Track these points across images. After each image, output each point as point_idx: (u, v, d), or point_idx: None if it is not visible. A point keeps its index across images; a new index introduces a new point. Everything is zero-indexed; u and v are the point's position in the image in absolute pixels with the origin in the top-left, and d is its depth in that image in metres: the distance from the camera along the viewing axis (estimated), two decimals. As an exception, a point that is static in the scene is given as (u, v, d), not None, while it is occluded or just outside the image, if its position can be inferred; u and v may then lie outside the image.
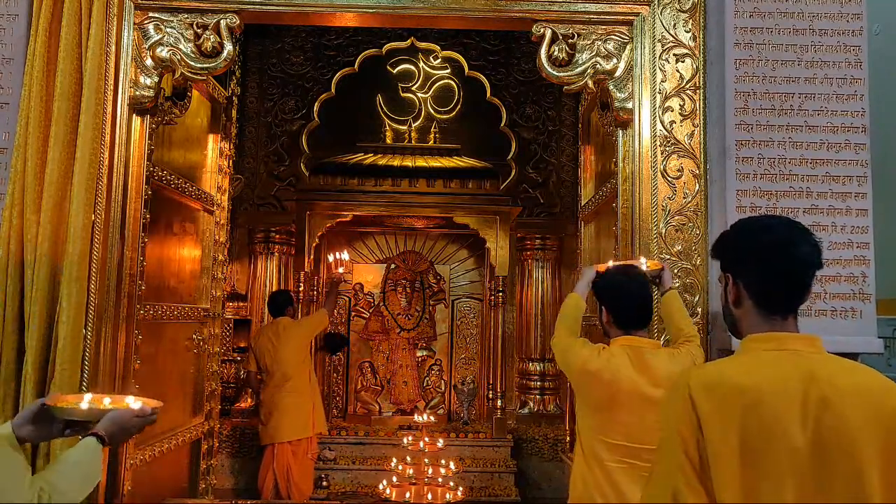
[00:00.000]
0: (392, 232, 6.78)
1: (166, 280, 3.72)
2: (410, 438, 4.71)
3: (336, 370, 6.55)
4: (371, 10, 3.25)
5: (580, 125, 4.39)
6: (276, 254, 6.26)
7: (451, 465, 4.27)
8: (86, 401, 1.84)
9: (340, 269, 5.27)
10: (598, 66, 3.20)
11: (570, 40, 3.21)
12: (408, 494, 4.04)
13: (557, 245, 6.43)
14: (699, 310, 3.01)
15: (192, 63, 3.20)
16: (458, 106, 6.68)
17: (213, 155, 4.29)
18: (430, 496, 4.03)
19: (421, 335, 6.54)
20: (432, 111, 6.66)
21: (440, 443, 4.56)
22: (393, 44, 6.44)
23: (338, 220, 6.05)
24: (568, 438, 4.67)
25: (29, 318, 2.84)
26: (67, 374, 2.81)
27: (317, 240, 6.04)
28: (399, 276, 6.55)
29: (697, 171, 3.09)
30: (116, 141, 3.11)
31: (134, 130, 3.18)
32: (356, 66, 6.47)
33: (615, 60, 3.20)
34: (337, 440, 5.72)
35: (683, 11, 3.17)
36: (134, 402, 1.87)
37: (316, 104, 6.51)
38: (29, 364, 2.81)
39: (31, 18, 3.03)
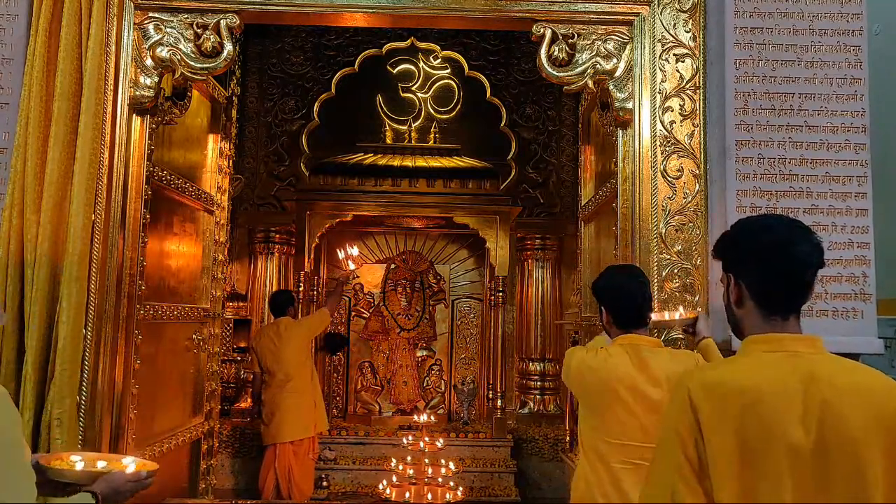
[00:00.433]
0: (392, 232, 6.78)
1: (166, 280, 3.72)
2: (410, 438, 4.71)
3: (336, 370, 6.55)
4: (371, 10, 3.25)
5: (580, 125, 4.39)
6: (276, 254, 6.26)
7: (451, 465, 4.27)
8: (79, 461, 1.80)
9: (352, 266, 5.23)
10: (598, 66, 3.20)
11: (570, 40, 3.21)
12: (408, 494, 4.04)
13: (557, 245, 6.43)
14: (699, 310, 3.01)
15: (192, 63, 3.20)
16: (458, 106, 6.68)
17: (213, 155, 4.29)
18: (430, 496, 4.03)
19: (421, 335, 6.54)
20: (432, 111, 6.66)
21: (440, 443, 4.55)
22: (393, 44, 6.44)
23: (338, 220, 6.05)
24: (568, 438, 4.68)
25: (29, 318, 2.84)
26: (67, 374, 2.81)
27: (317, 240, 6.04)
28: (399, 276, 6.55)
29: (697, 171, 3.09)
30: (116, 141, 3.11)
31: (134, 130, 3.18)
32: (356, 66, 6.47)
33: (615, 60, 3.20)
34: (337, 440, 5.72)
35: (683, 11, 3.17)
36: (131, 464, 1.84)
37: (316, 104, 6.51)
38: (29, 364, 2.81)
39: (31, 18, 3.03)
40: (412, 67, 6.69)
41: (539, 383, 6.30)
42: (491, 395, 6.14)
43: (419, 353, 6.56)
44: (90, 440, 2.93)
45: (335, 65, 6.57)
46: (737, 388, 1.32)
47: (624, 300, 2.37)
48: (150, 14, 3.20)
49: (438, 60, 6.65)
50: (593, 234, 4.06)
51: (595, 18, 3.21)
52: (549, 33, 3.21)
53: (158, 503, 3.57)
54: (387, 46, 6.47)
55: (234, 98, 4.46)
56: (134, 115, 3.18)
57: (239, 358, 6.08)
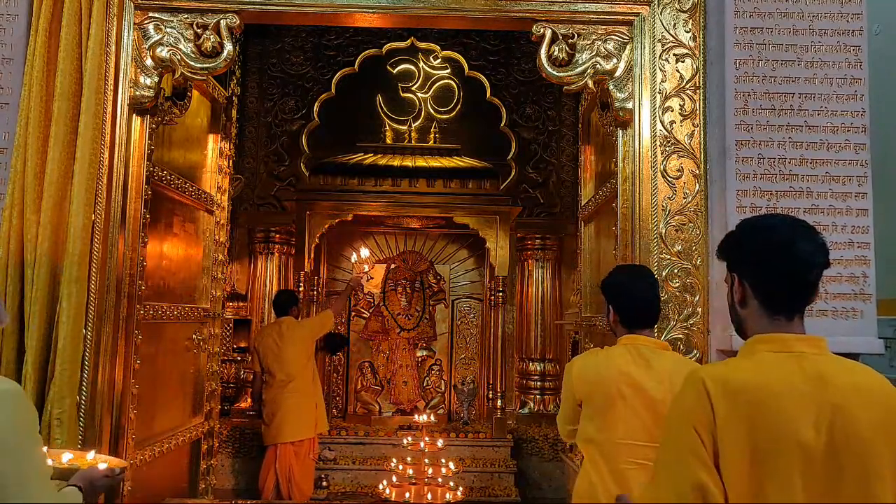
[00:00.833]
0: (392, 232, 6.78)
1: (166, 280, 3.72)
2: (410, 438, 4.71)
3: (336, 370, 6.55)
4: (371, 10, 3.25)
5: (580, 125, 4.39)
6: (276, 254, 6.26)
7: (451, 465, 4.27)
8: (49, 460, 1.88)
9: (366, 267, 5.24)
10: (598, 66, 3.20)
11: (570, 40, 3.21)
12: (408, 494, 4.04)
13: (557, 245, 6.43)
14: (699, 310, 3.01)
15: (192, 63, 3.20)
16: (458, 106, 6.68)
17: (213, 155, 4.29)
18: (430, 496, 4.03)
19: (421, 335, 6.54)
20: (432, 111, 6.66)
21: (440, 443, 4.55)
22: (393, 44, 6.45)
23: (338, 220, 6.05)
24: (568, 438, 4.67)
25: (29, 318, 2.84)
26: (67, 375, 2.81)
27: (317, 240, 6.04)
28: (399, 276, 6.55)
29: (697, 171, 3.09)
30: (116, 141, 3.11)
31: (134, 130, 3.18)
32: (356, 66, 6.47)
33: (615, 60, 3.20)
34: (337, 440, 5.72)
35: (683, 11, 3.17)
36: (101, 462, 1.96)
37: (316, 104, 6.51)
38: (29, 364, 2.81)
39: (31, 18, 3.03)
40: (412, 67, 6.69)
41: (539, 383, 6.30)
42: (491, 395, 6.14)
43: (419, 353, 6.56)
44: (90, 440, 2.92)
45: (335, 65, 6.57)
46: (749, 388, 1.32)
47: (631, 299, 2.36)
48: (150, 14, 3.20)
49: (438, 60, 6.65)
50: (593, 234, 4.06)
51: (595, 18, 3.21)
52: (549, 33, 3.21)
53: (158, 503, 3.57)
54: (387, 46, 6.47)
55: (234, 98, 4.46)
56: (134, 115, 3.18)
57: (239, 358, 6.08)
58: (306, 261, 5.98)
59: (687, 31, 3.16)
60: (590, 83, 3.22)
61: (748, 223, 1.51)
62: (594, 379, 2.28)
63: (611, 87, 3.20)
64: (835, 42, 3.07)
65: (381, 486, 4.17)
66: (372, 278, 5.56)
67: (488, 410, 6.22)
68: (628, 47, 3.20)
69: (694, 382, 1.36)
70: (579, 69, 3.21)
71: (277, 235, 6.26)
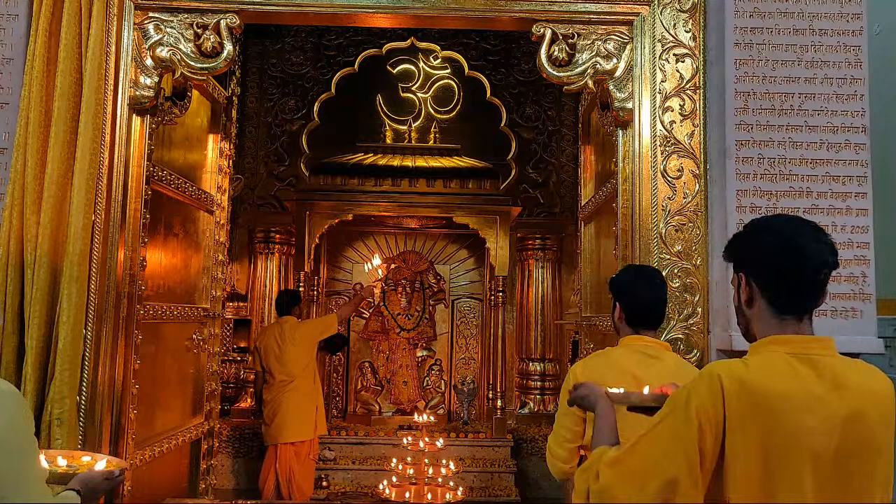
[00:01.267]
0: (392, 232, 6.78)
1: (166, 280, 3.72)
2: (410, 438, 4.71)
3: (336, 370, 6.55)
4: (371, 10, 3.25)
5: (580, 125, 4.39)
6: (277, 254, 6.26)
7: (451, 465, 4.27)
8: (43, 462, 1.85)
9: (379, 272, 5.30)
10: (598, 66, 3.20)
11: (570, 40, 3.21)
12: (408, 494, 4.04)
13: (557, 245, 6.43)
14: (699, 310, 3.01)
15: (192, 63, 3.20)
16: (458, 106, 6.68)
17: (213, 155, 4.29)
18: (430, 496, 4.03)
19: (421, 335, 6.54)
20: (432, 111, 6.66)
21: (440, 443, 4.55)
22: (393, 44, 6.45)
23: (338, 220, 6.05)
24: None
25: (29, 318, 2.84)
26: (67, 375, 2.81)
27: (317, 240, 6.04)
28: (399, 276, 6.55)
29: (697, 171, 3.09)
30: (116, 141, 3.11)
31: (134, 130, 3.18)
32: (356, 66, 6.47)
33: (615, 60, 3.20)
34: (337, 440, 5.72)
35: (683, 11, 3.17)
36: (99, 463, 1.94)
37: (316, 104, 6.52)
38: (29, 364, 2.81)
39: (31, 18, 3.03)
40: (412, 67, 6.69)
41: (539, 383, 6.30)
42: (491, 395, 6.14)
43: (419, 353, 6.56)
44: (90, 440, 2.93)
45: (335, 65, 6.57)
46: (764, 390, 1.31)
47: (639, 298, 2.36)
48: (150, 14, 3.20)
49: (438, 60, 6.65)
50: (593, 234, 4.06)
51: (595, 18, 3.21)
52: (549, 33, 3.21)
53: (158, 503, 3.57)
54: (387, 46, 6.47)
55: (234, 98, 4.46)
56: (134, 115, 3.18)
57: (239, 358, 6.08)
58: (306, 261, 5.98)
59: (687, 31, 3.16)
60: (590, 83, 3.22)
61: (757, 223, 1.51)
62: (599, 381, 2.28)
63: (611, 87, 3.19)
64: (835, 42, 3.07)
65: (381, 486, 4.18)
66: (384, 279, 5.66)
67: (488, 410, 6.22)
68: (628, 47, 3.20)
69: (710, 378, 1.35)
70: (579, 69, 3.21)
71: (277, 235, 6.26)
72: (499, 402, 5.94)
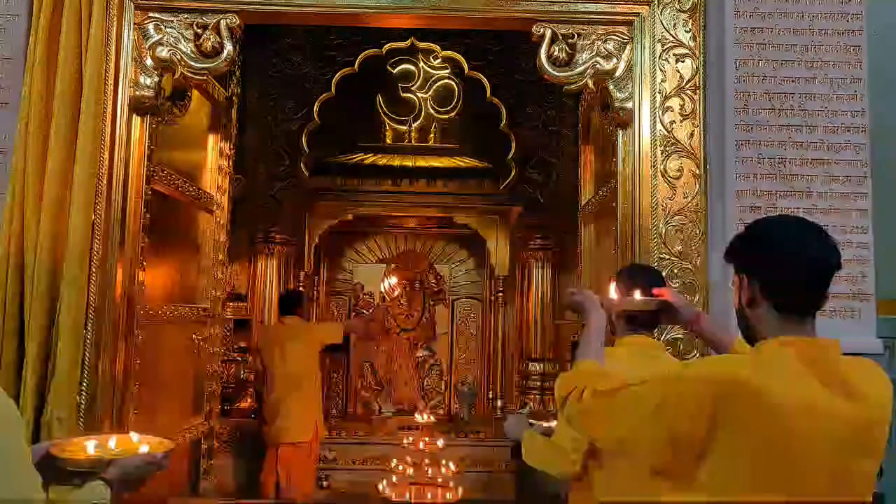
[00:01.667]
0: (392, 232, 6.77)
1: (166, 280, 3.72)
2: (410, 438, 4.71)
3: (336, 370, 6.55)
4: (372, 10, 3.25)
5: (580, 125, 4.39)
6: (276, 254, 6.24)
7: (452, 466, 4.27)
8: (91, 447, 1.79)
9: (396, 291, 5.39)
10: (598, 66, 3.20)
11: (570, 40, 3.21)
12: (408, 494, 4.04)
13: (557, 245, 6.41)
14: (699, 309, 3.01)
15: (193, 63, 3.20)
16: (458, 106, 6.67)
17: (213, 155, 4.29)
18: (430, 496, 4.03)
19: (421, 335, 6.54)
20: (432, 111, 6.65)
21: (440, 443, 4.55)
22: (393, 44, 6.43)
23: (338, 220, 6.05)
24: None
25: (29, 319, 2.84)
26: (67, 375, 2.81)
27: (317, 240, 6.04)
28: (399, 276, 6.55)
29: (697, 171, 3.09)
30: (116, 141, 3.11)
31: (134, 130, 3.18)
32: (356, 66, 6.46)
33: (615, 60, 3.20)
34: (337, 440, 5.71)
35: (683, 11, 3.17)
36: (142, 446, 1.83)
37: (316, 104, 6.50)
38: (29, 364, 2.81)
39: (31, 18, 3.03)
40: (412, 67, 6.68)
41: (539, 383, 6.28)
42: (491, 396, 6.13)
43: (419, 354, 6.56)
44: (90, 440, 2.92)
45: (335, 65, 6.55)
46: (765, 390, 1.30)
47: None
48: (150, 14, 3.20)
49: (438, 60, 6.64)
50: (593, 234, 4.06)
51: (595, 18, 3.21)
52: (549, 33, 3.21)
53: (158, 503, 3.57)
54: (387, 46, 6.45)
55: (234, 98, 4.46)
56: (134, 115, 3.18)
57: (239, 358, 6.07)
58: (306, 261, 5.98)
59: (687, 31, 3.16)
60: (590, 83, 3.22)
61: (761, 224, 1.51)
62: None
63: (611, 87, 3.19)
64: (835, 42, 3.07)
65: (381, 486, 4.17)
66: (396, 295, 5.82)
67: (488, 410, 6.22)
68: (628, 47, 3.20)
69: (707, 375, 1.36)
70: (579, 69, 3.21)
71: (277, 235, 6.25)
72: (499, 403, 5.94)
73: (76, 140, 2.94)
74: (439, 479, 4.17)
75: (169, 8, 3.19)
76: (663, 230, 3.06)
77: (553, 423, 2.33)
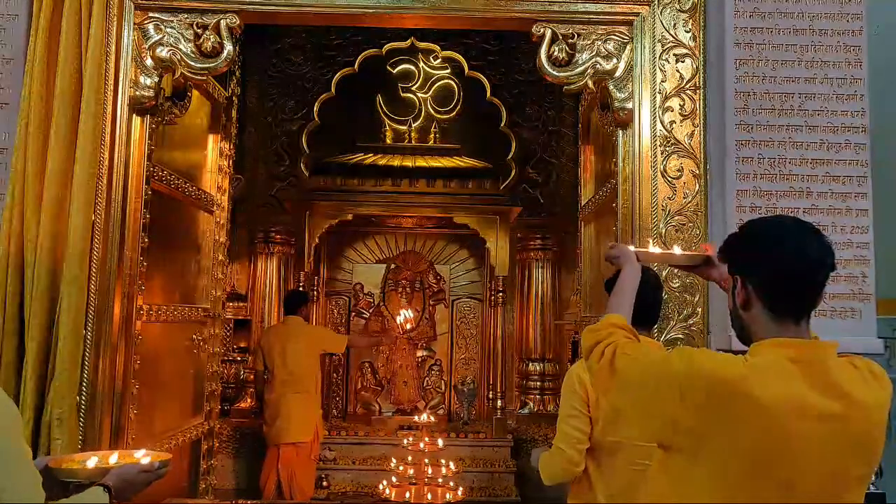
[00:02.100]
0: (392, 232, 6.77)
1: (166, 280, 3.72)
2: (410, 438, 4.71)
3: (336, 370, 6.55)
4: (371, 11, 3.25)
5: (580, 125, 4.39)
6: (277, 254, 6.25)
7: (451, 465, 4.27)
8: (91, 462, 1.83)
9: (408, 325, 5.50)
10: (598, 66, 3.20)
11: (570, 40, 3.21)
12: (408, 494, 4.04)
13: (557, 245, 6.42)
14: (699, 310, 3.01)
15: (193, 63, 3.20)
16: (458, 106, 6.67)
17: (213, 155, 4.29)
18: (430, 496, 4.03)
19: (421, 335, 6.54)
20: (432, 111, 6.65)
21: (440, 443, 4.55)
22: (393, 44, 6.43)
23: (338, 220, 6.05)
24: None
25: (29, 319, 2.84)
26: (67, 374, 2.81)
27: (317, 240, 6.04)
28: (399, 276, 6.55)
29: (697, 171, 3.09)
30: (116, 141, 3.11)
31: (134, 130, 3.18)
32: (356, 66, 6.46)
33: (615, 60, 3.20)
34: (337, 440, 5.71)
35: (683, 11, 3.17)
36: (144, 457, 1.87)
37: (316, 104, 6.50)
38: (29, 364, 2.81)
39: (31, 18, 3.03)
40: (412, 67, 6.69)
41: (539, 383, 6.28)
42: (491, 396, 6.14)
43: (419, 354, 6.56)
44: (90, 440, 2.93)
45: (335, 65, 6.55)
46: (753, 392, 1.29)
47: (636, 298, 2.36)
48: (150, 14, 3.20)
49: (438, 60, 6.64)
50: (593, 234, 4.06)
51: (595, 18, 3.21)
52: (549, 33, 3.21)
53: (158, 503, 3.57)
54: (387, 46, 6.45)
55: (234, 98, 4.46)
56: (134, 115, 3.18)
57: (239, 358, 6.08)
58: (306, 261, 5.98)
59: (687, 31, 3.16)
60: (590, 83, 3.22)
61: (755, 224, 1.48)
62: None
63: (611, 87, 3.19)
64: (835, 42, 3.07)
65: (381, 486, 4.17)
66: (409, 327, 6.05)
67: (488, 410, 6.22)
68: (628, 47, 3.20)
69: (696, 374, 1.36)
70: (579, 69, 3.21)
71: (277, 235, 6.25)
72: (499, 403, 5.94)
73: (76, 140, 2.94)
74: (439, 479, 4.17)
75: (169, 8, 3.20)
76: (663, 230, 3.06)
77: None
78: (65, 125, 2.93)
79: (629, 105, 3.16)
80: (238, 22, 3.21)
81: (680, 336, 2.97)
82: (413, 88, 6.68)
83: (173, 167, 3.69)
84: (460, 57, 6.56)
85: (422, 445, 4.41)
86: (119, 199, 3.12)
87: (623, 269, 1.82)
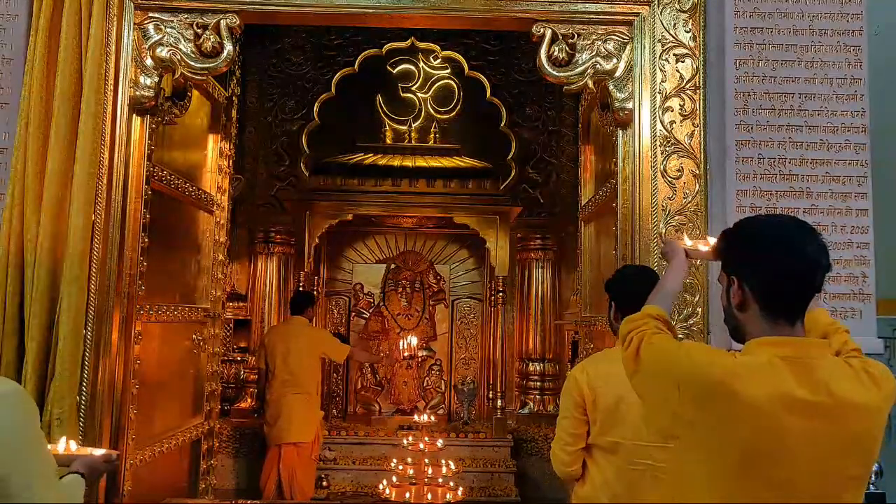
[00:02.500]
0: (392, 232, 6.78)
1: (166, 280, 3.72)
2: (410, 438, 4.71)
3: (336, 370, 6.55)
4: (371, 11, 3.25)
5: (580, 125, 4.39)
6: (276, 254, 6.25)
7: (451, 465, 4.27)
8: (60, 447, 1.96)
9: (421, 353, 5.65)
10: (598, 66, 3.20)
11: (570, 40, 3.21)
12: (408, 494, 4.04)
13: (557, 245, 6.42)
14: (699, 310, 3.01)
15: (192, 63, 3.20)
16: (458, 106, 6.67)
17: (213, 155, 4.29)
18: (430, 496, 4.03)
19: (421, 335, 6.54)
20: (432, 111, 6.66)
21: (440, 443, 4.55)
22: (393, 44, 6.43)
23: (338, 220, 6.05)
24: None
25: (29, 318, 2.84)
26: (67, 374, 2.81)
27: (317, 240, 6.04)
28: (399, 276, 6.55)
29: (697, 171, 3.09)
30: (116, 141, 3.11)
31: (134, 130, 3.18)
32: (356, 66, 6.46)
33: (615, 60, 3.20)
34: (337, 440, 5.71)
35: (683, 11, 3.17)
36: (96, 451, 2.01)
37: (316, 104, 6.50)
38: (29, 364, 2.81)
39: (31, 18, 3.03)
40: (412, 67, 6.69)
41: (539, 383, 6.29)
42: (491, 395, 6.14)
43: (419, 354, 6.56)
44: (90, 440, 2.92)
45: (335, 65, 6.56)
46: (744, 390, 1.29)
47: (633, 296, 2.36)
48: (150, 14, 3.20)
49: (438, 60, 6.64)
50: (593, 234, 4.06)
51: (595, 18, 3.21)
52: (549, 33, 3.21)
53: (158, 503, 3.57)
54: (387, 46, 6.46)
55: (234, 98, 4.45)
56: (134, 115, 3.18)
57: (239, 358, 6.08)
58: (306, 261, 5.98)
59: (687, 31, 3.16)
60: (590, 83, 3.22)
61: (750, 223, 1.47)
62: (601, 381, 2.28)
63: (611, 87, 3.19)
64: (835, 42, 3.07)
65: (381, 486, 4.17)
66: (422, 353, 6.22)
67: (488, 410, 6.22)
68: (628, 47, 3.20)
69: (692, 372, 1.37)
70: (579, 69, 3.21)
71: (277, 235, 6.25)
72: (499, 403, 5.94)
73: (76, 140, 2.94)
74: (439, 479, 4.17)
75: (169, 8, 3.20)
76: (663, 230, 3.06)
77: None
78: (65, 125, 2.93)
79: (629, 105, 3.16)
80: (238, 22, 3.21)
81: (680, 336, 2.96)
82: (413, 88, 6.68)
83: (173, 167, 3.69)
84: (460, 57, 6.56)
85: (422, 445, 4.41)
86: (119, 199, 3.12)
87: (671, 261, 1.85)
